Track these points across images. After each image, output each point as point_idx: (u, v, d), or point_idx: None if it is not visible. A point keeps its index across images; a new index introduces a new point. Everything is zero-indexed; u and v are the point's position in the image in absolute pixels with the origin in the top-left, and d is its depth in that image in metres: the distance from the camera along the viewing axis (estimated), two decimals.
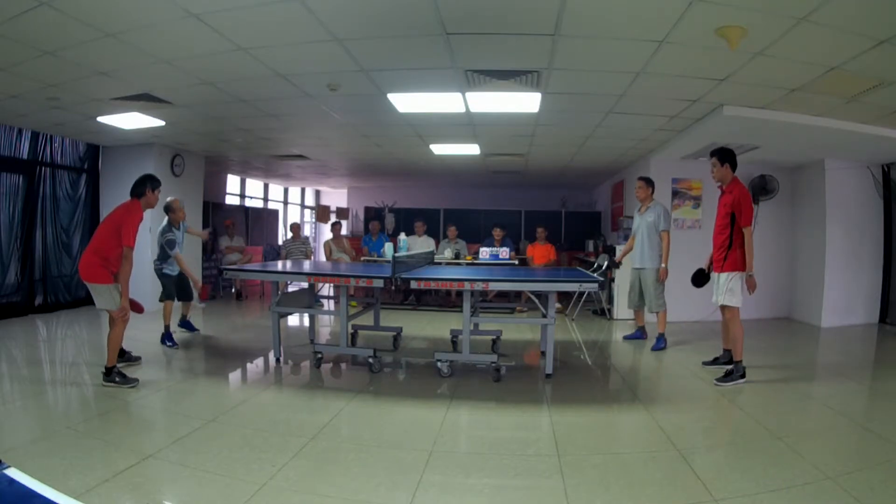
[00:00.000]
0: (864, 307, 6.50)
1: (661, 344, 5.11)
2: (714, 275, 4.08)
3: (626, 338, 5.63)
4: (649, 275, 5.21)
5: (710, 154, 4.09)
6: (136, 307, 4.08)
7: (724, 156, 3.99)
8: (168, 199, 5.06)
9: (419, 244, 7.88)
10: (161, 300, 5.20)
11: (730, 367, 3.98)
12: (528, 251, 8.13)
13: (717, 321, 4.54)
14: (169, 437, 2.72)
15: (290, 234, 8.27)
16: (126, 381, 3.67)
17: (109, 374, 3.66)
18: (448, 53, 3.67)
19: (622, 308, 6.98)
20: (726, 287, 3.93)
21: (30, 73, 4.11)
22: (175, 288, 5.19)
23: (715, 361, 4.36)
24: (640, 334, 5.53)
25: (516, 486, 2.33)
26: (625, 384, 4.17)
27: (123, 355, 4.11)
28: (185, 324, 5.49)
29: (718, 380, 3.90)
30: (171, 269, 5.11)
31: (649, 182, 5.35)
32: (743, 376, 3.87)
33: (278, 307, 4.50)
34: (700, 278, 4.31)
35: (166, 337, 4.95)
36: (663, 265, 5.14)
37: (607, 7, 2.94)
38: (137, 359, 4.27)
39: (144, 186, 3.91)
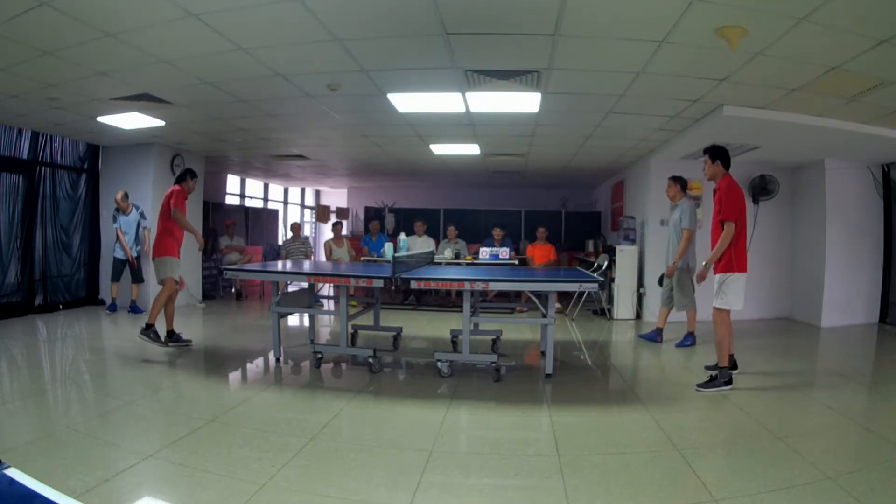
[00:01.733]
0: (864, 307, 6.50)
1: (687, 342, 5.14)
2: (714, 276, 3.94)
3: (640, 336, 5.59)
4: (678, 273, 5.18)
5: (703, 151, 4.01)
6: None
7: (716, 153, 3.88)
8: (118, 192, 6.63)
9: (419, 244, 7.88)
10: (113, 280, 6.69)
11: (713, 372, 3.81)
12: (528, 251, 8.13)
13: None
14: (169, 437, 2.72)
15: (290, 234, 8.28)
16: (159, 339, 4.54)
17: (147, 329, 4.50)
18: (448, 53, 3.67)
19: (622, 308, 6.99)
20: (719, 288, 3.78)
21: (30, 73, 4.11)
22: (123, 270, 6.69)
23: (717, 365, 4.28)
24: (654, 335, 5.44)
25: (516, 486, 2.33)
26: (625, 384, 4.17)
27: (172, 336, 4.73)
28: (133, 308, 6.66)
29: (700, 385, 3.75)
30: (120, 255, 6.64)
31: (678, 180, 5.32)
32: (728, 383, 3.72)
33: (278, 307, 4.50)
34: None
35: (110, 307, 6.64)
36: (672, 262, 5.13)
37: (607, 7, 2.94)
38: (188, 342, 4.82)
39: (185, 175, 4.88)
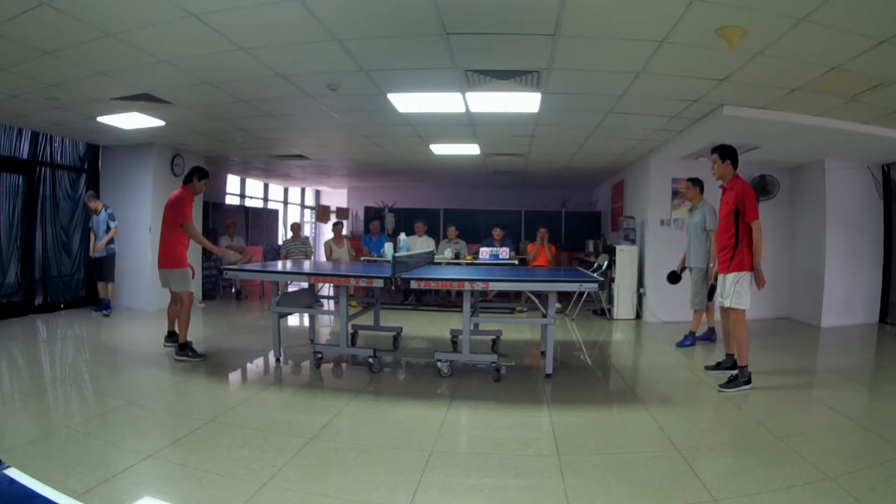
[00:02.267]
0: (864, 307, 6.50)
1: (687, 341, 5.17)
2: (720, 276, 3.92)
3: (697, 338, 5.35)
4: (696, 273, 5.22)
5: (711, 150, 3.98)
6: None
7: (726, 152, 3.87)
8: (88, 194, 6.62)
9: (419, 244, 7.88)
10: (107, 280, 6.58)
11: (734, 372, 3.83)
12: (529, 248, 8.12)
13: (716, 321, 4.50)
14: (169, 437, 2.72)
15: (290, 234, 8.28)
16: (197, 355, 4.36)
17: (183, 349, 4.32)
18: (448, 53, 3.67)
19: (622, 308, 6.99)
20: (734, 288, 3.76)
21: (30, 73, 4.11)
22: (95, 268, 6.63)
23: (718, 366, 4.20)
24: (709, 335, 5.39)
25: (516, 486, 2.33)
26: (625, 384, 4.17)
27: (172, 336, 4.55)
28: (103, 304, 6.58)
29: (722, 385, 3.73)
30: (99, 254, 6.45)
31: (696, 182, 5.29)
32: (748, 382, 3.71)
33: (278, 307, 4.50)
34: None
35: (97, 308, 6.55)
36: (711, 265, 5.07)
37: (607, 7, 2.94)
38: (204, 356, 4.47)
39: (193, 176, 4.57)
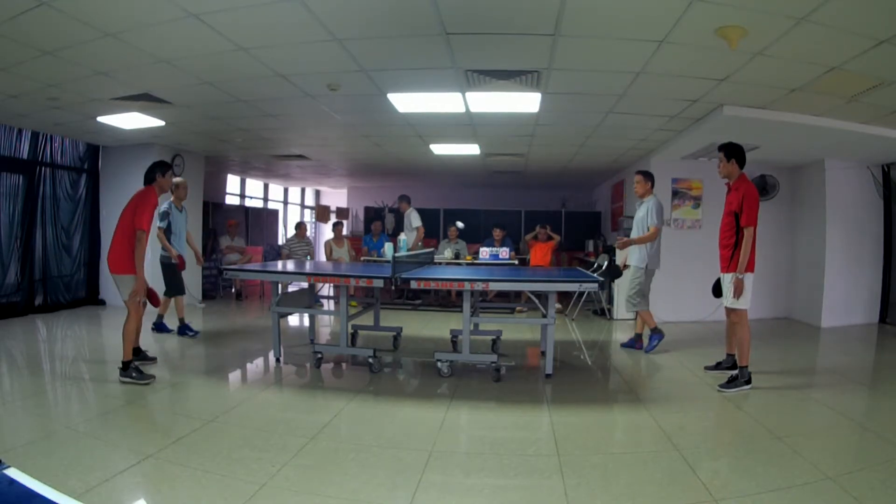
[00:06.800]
0: (864, 307, 6.50)
1: (632, 343, 5.01)
2: (721, 275, 3.90)
3: (623, 345, 5.22)
4: (630, 272, 5.03)
5: (717, 148, 3.93)
6: (153, 298, 4.05)
7: (732, 151, 3.82)
8: (177, 179, 5.19)
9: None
10: (168, 295, 5.24)
11: (734, 372, 3.82)
12: (531, 244, 8.09)
13: (717, 321, 4.48)
14: (169, 437, 2.72)
15: (292, 233, 8.28)
16: (142, 377, 3.66)
17: (126, 368, 3.65)
18: (448, 53, 3.67)
19: (622, 308, 6.98)
20: (733, 287, 3.75)
21: (30, 73, 4.11)
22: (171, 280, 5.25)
23: (718, 366, 4.19)
24: (633, 342, 5.11)
25: (516, 486, 2.33)
26: (625, 384, 4.17)
27: (139, 353, 4.02)
28: (160, 325, 5.42)
29: (722, 386, 3.73)
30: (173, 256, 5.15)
31: (648, 176, 5.03)
32: (748, 382, 3.71)
33: (278, 307, 4.50)
34: (719, 288, 3.98)
35: (184, 328, 5.23)
36: (620, 237, 4.90)
37: (607, 7, 2.94)
38: (153, 359, 4.21)
39: (154, 172, 3.98)
